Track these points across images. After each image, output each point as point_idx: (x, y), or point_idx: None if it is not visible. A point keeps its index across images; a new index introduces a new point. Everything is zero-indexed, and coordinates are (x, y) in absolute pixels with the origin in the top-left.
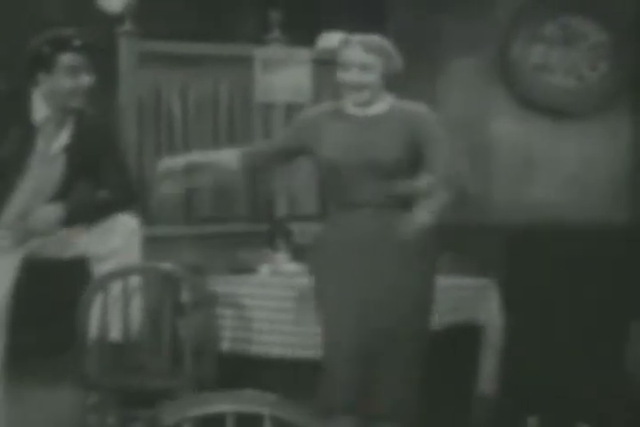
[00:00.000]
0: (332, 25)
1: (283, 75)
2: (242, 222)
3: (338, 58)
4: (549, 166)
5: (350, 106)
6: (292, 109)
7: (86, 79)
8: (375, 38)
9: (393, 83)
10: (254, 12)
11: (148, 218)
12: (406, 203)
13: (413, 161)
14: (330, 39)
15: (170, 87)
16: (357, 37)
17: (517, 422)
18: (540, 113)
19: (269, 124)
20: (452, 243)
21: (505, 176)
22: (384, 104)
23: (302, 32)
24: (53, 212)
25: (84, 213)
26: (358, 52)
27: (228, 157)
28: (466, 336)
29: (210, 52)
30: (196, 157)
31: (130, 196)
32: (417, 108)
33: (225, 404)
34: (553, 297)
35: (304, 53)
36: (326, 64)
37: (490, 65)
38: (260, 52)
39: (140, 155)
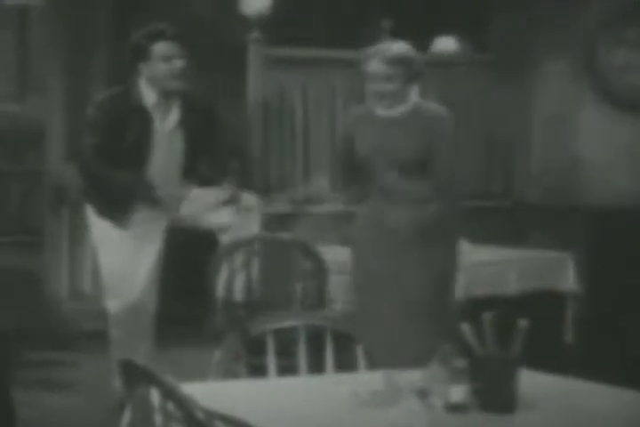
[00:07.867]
0: (443, 31)
1: None
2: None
3: (363, 69)
4: (631, 156)
5: (379, 108)
6: None
7: (179, 63)
8: (396, 48)
9: (496, 81)
10: (369, 21)
11: (270, 198)
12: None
13: (428, 158)
14: (442, 43)
15: (292, 86)
16: (380, 48)
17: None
18: (622, 108)
19: None
20: (541, 221)
21: (591, 163)
22: (407, 106)
23: (415, 37)
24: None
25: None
26: (379, 65)
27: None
28: (551, 300)
29: (326, 55)
30: None
31: (224, 173)
32: (436, 110)
33: (297, 320)
34: (632, 272)
35: None
36: (434, 65)
37: (578, 66)
38: None
39: (266, 143)
